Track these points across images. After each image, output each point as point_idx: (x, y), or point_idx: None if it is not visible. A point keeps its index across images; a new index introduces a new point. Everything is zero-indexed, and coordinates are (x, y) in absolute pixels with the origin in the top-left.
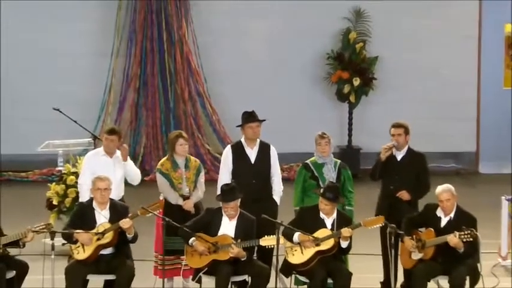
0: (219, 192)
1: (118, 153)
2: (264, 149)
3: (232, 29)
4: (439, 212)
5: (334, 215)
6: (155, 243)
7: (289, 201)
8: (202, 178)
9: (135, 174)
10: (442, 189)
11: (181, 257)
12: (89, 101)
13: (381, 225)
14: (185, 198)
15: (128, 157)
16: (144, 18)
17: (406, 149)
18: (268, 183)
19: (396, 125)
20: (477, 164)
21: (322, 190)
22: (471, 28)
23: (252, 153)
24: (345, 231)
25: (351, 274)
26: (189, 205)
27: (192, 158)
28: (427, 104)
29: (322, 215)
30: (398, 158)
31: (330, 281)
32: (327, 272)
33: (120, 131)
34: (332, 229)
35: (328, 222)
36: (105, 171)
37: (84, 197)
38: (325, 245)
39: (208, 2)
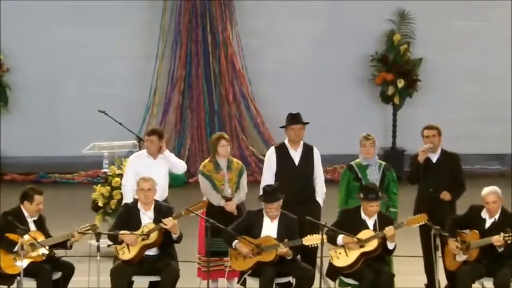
0: (261, 193)
1: (162, 154)
2: (308, 151)
3: (276, 30)
4: (484, 214)
5: (375, 216)
6: (198, 245)
7: (333, 203)
8: (244, 180)
9: (178, 163)
10: (489, 191)
11: (225, 258)
12: (134, 103)
13: (423, 223)
14: (227, 199)
15: (166, 149)
16: (189, 20)
17: (439, 150)
18: (312, 185)
19: (429, 127)
20: None
21: (362, 194)
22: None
23: (295, 155)
24: (389, 230)
25: (393, 276)
26: (231, 206)
27: (235, 159)
28: (471, 106)
29: (363, 216)
30: (434, 159)
31: None
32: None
33: (161, 131)
34: (374, 230)
35: (370, 223)
36: (148, 173)
37: (127, 198)
38: (369, 246)
39: (253, 3)
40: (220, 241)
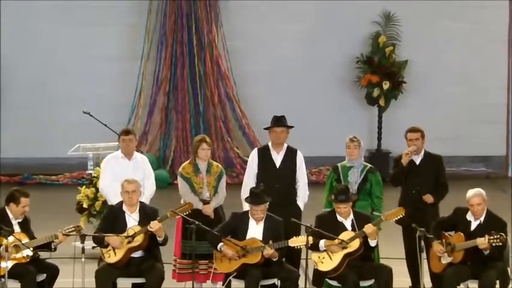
0: (243, 194)
1: (136, 155)
2: (291, 154)
3: (261, 32)
4: (469, 216)
5: (351, 215)
6: (175, 246)
7: (316, 205)
8: (223, 183)
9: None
10: (473, 194)
11: (200, 261)
12: (119, 104)
13: (401, 216)
14: (205, 202)
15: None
16: (175, 21)
17: (423, 152)
18: (293, 188)
19: (413, 130)
20: (507, 168)
21: (333, 196)
22: (501, 32)
23: (277, 157)
24: (368, 228)
25: (391, 270)
26: (208, 209)
27: (215, 163)
28: (456, 108)
29: (340, 218)
30: (417, 161)
31: (365, 284)
32: (364, 275)
33: (134, 130)
34: (353, 230)
35: (347, 223)
36: (125, 173)
37: (110, 200)
38: (352, 247)
39: (238, 5)
40: (202, 244)
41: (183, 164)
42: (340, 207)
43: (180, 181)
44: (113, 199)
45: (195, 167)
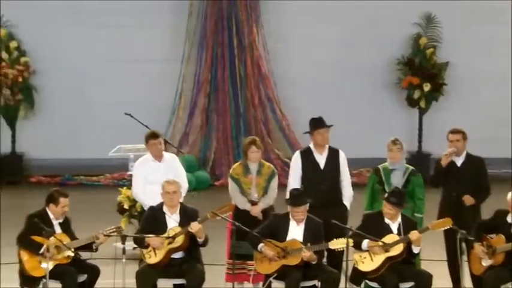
0: (287, 197)
1: (165, 155)
2: (333, 155)
3: (302, 34)
4: (510, 218)
5: (399, 220)
6: (227, 249)
7: (358, 206)
8: (274, 184)
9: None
10: None
11: (248, 262)
12: (160, 106)
13: (448, 227)
14: (253, 203)
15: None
16: (215, 23)
17: (464, 154)
18: (338, 188)
19: (454, 131)
20: None
21: (386, 195)
22: None
23: (321, 158)
24: (413, 234)
25: (431, 276)
26: (255, 211)
27: (267, 163)
28: (497, 110)
29: (387, 220)
30: (458, 163)
31: (405, 286)
32: (404, 277)
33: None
34: (398, 234)
35: (394, 227)
36: (155, 176)
37: (144, 204)
38: (395, 251)
39: (278, 6)
40: (245, 244)
41: (234, 165)
42: (387, 208)
43: (229, 182)
44: (147, 203)
45: (245, 167)
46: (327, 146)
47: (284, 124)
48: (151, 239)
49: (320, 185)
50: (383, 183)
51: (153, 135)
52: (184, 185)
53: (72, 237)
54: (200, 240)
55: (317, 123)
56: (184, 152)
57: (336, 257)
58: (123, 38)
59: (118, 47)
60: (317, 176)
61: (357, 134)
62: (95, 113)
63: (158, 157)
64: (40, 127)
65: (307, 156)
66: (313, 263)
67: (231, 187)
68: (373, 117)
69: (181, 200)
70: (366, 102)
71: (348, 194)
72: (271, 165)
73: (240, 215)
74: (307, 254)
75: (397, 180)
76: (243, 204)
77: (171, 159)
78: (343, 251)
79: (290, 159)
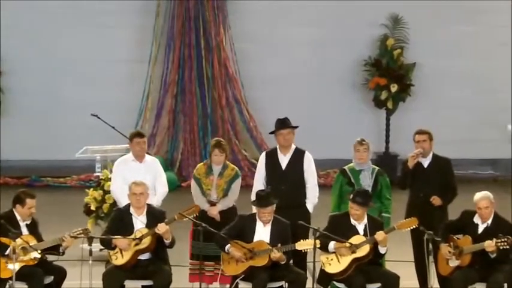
0: (253, 198)
1: (147, 157)
2: (298, 156)
3: (269, 35)
4: (476, 219)
5: (365, 220)
6: (189, 249)
7: (324, 207)
8: (236, 186)
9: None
10: (481, 197)
11: (206, 262)
12: (127, 107)
13: (414, 227)
14: (212, 204)
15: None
16: (182, 24)
17: (431, 155)
18: (301, 190)
19: (420, 132)
20: None
21: (352, 195)
22: (506, 35)
23: (284, 159)
24: (379, 235)
25: (399, 277)
26: (213, 211)
27: (232, 166)
28: (464, 111)
29: (353, 221)
30: (425, 164)
31: (372, 287)
32: (371, 278)
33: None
34: (365, 235)
35: (360, 228)
36: (135, 177)
37: (121, 203)
38: (361, 252)
39: (246, 7)
40: (211, 245)
41: (198, 165)
42: (353, 208)
43: (192, 182)
44: (124, 202)
45: (208, 168)
46: (293, 146)
47: (251, 125)
48: (118, 240)
49: (280, 186)
50: (353, 185)
51: (138, 134)
52: (164, 189)
53: (39, 239)
54: (167, 241)
55: (279, 124)
56: (152, 153)
57: (302, 258)
58: (90, 39)
59: (84, 48)
60: (278, 176)
61: (324, 134)
62: (61, 114)
63: (140, 157)
64: (7, 128)
65: (271, 157)
66: (282, 263)
67: (193, 187)
68: (341, 118)
69: (159, 204)
70: (333, 103)
71: (311, 197)
72: (236, 168)
73: (203, 216)
74: (277, 254)
75: (366, 181)
76: (202, 204)
77: (152, 161)
78: (307, 252)
79: (257, 160)
